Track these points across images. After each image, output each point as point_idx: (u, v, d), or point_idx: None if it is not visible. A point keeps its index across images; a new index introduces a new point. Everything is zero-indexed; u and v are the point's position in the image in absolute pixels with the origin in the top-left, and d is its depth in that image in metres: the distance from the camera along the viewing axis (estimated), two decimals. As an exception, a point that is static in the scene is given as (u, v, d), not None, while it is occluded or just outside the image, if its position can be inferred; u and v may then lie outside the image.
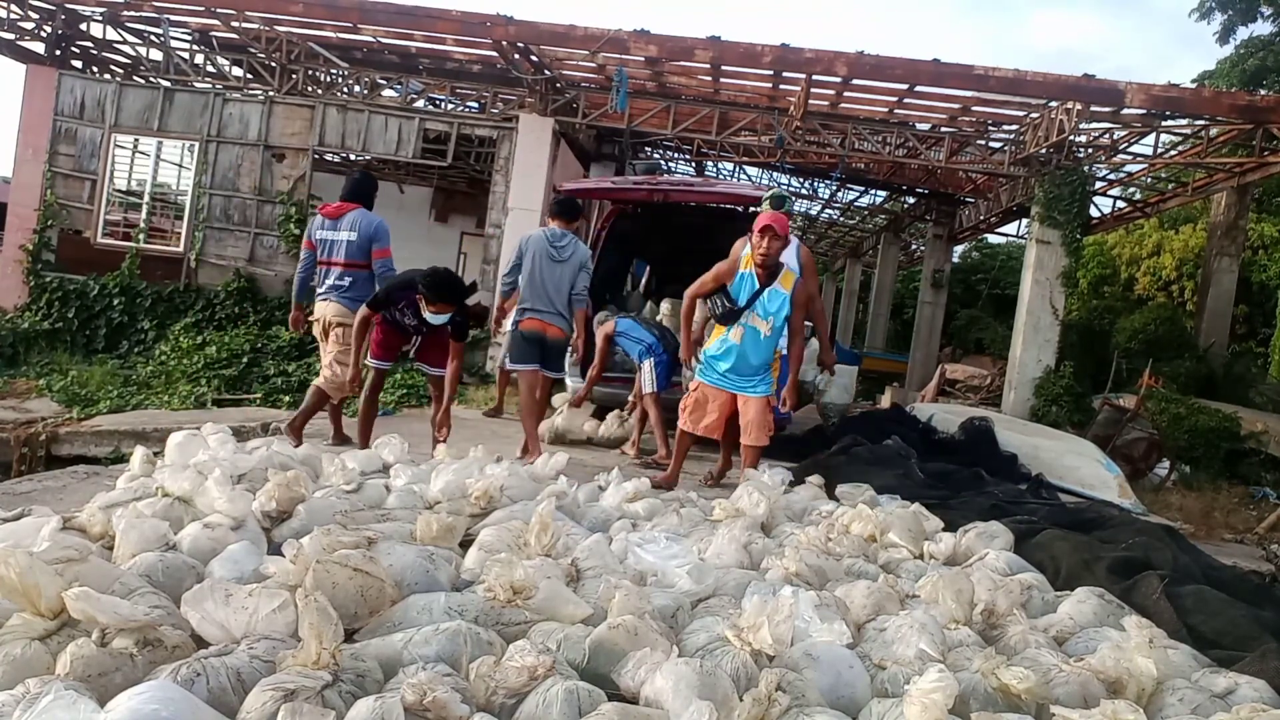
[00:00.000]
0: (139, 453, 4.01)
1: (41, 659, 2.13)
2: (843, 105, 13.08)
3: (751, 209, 8.77)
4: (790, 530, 4.05)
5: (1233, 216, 14.00)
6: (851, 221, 25.86)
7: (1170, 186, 15.20)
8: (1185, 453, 10.88)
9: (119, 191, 13.79)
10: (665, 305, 9.13)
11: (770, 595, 2.75)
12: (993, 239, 26.67)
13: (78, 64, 14.20)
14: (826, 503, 4.83)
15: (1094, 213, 16.55)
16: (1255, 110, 10.51)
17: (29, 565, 2.18)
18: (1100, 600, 3.25)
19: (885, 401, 18.25)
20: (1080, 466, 8.80)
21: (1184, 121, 12.05)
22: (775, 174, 20.19)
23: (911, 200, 20.26)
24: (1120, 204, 16.48)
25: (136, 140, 13.64)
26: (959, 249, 30.17)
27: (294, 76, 13.51)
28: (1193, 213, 20.89)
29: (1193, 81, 18.75)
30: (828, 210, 24.93)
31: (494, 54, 12.61)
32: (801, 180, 20.91)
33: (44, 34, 13.67)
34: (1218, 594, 3.44)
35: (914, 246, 26.13)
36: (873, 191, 20.81)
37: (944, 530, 4.18)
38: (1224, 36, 19.32)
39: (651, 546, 3.17)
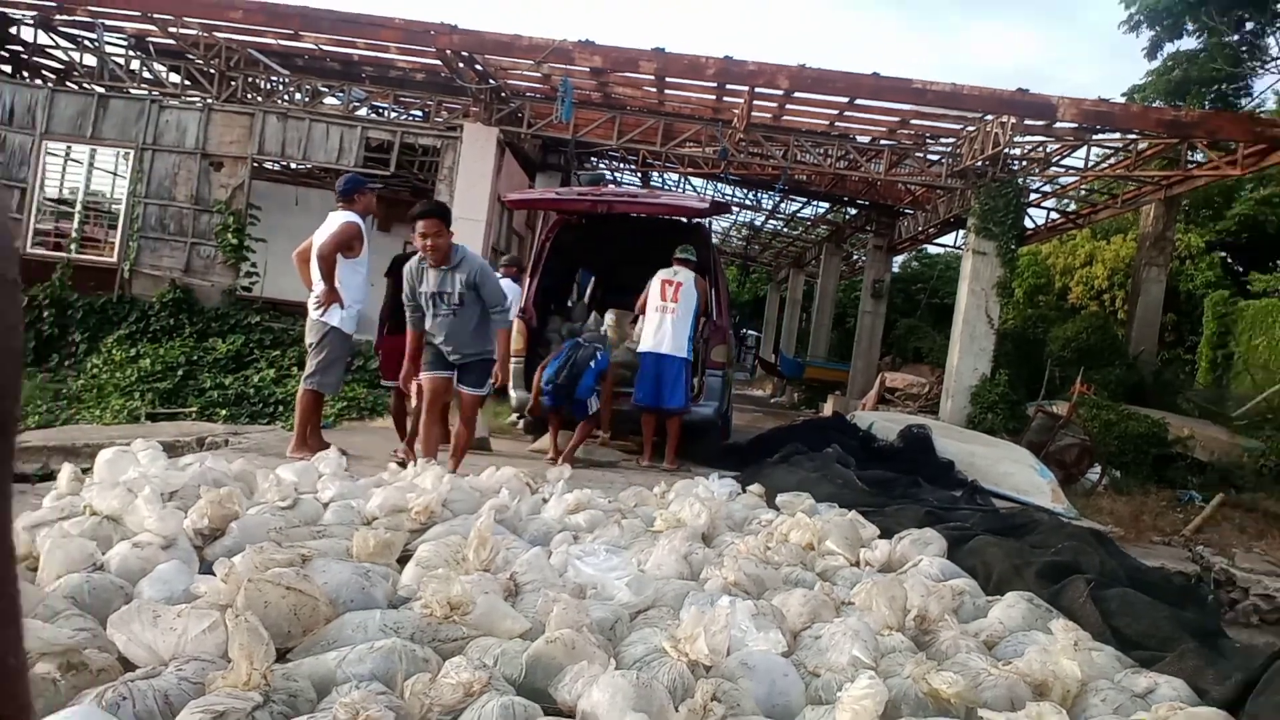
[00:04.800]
0: (66, 470, 3.91)
1: (-41, 686, 2.07)
2: (785, 118, 13.24)
3: (694, 220, 8.87)
4: (731, 540, 4.09)
5: (1160, 228, 14.45)
6: (795, 232, 26.18)
7: (1104, 199, 15.64)
8: (1116, 458, 11.17)
9: (50, 200, 13.43)
10: (609, 316, 9.16)
11: (708, 606, 2.78)
12: (932, 249, 27.24)
13: (7, 69, 13.81)
14: (767, 511, 4.88)
15: (1029, 224, 16.99)
16: (1180, 125, 10.87)
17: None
18: (1029, 604, 3.33)
19: (828, 410, 18.48)
20: (1015, 473, 9.00)
21: (1115, 135, 12.42)
22: (719, 185, 20.39)
23: (853, 211, 20.57)
24: (1054, 215, 16.90)
25: (69, 148, 13.31)
26: (899, 259, 30.73)
27: (233, 84, 13.30)
28: (1124, 223, 21.53)
29: (1123, 95, 19.32)
30: (772, 221, 25.21)
31: (438, 62, 12.54)
32: (746, 191, 21.13)
33: (-29, 38, 13.30)
34: (1142, 596, 3.55)
35: (856, 257, 26.50)
36: (815, 203, 21.11)
37: (880, 537, 4.25)
38: (1152, 52, 19.89)
39: (591, 559, 3.18)
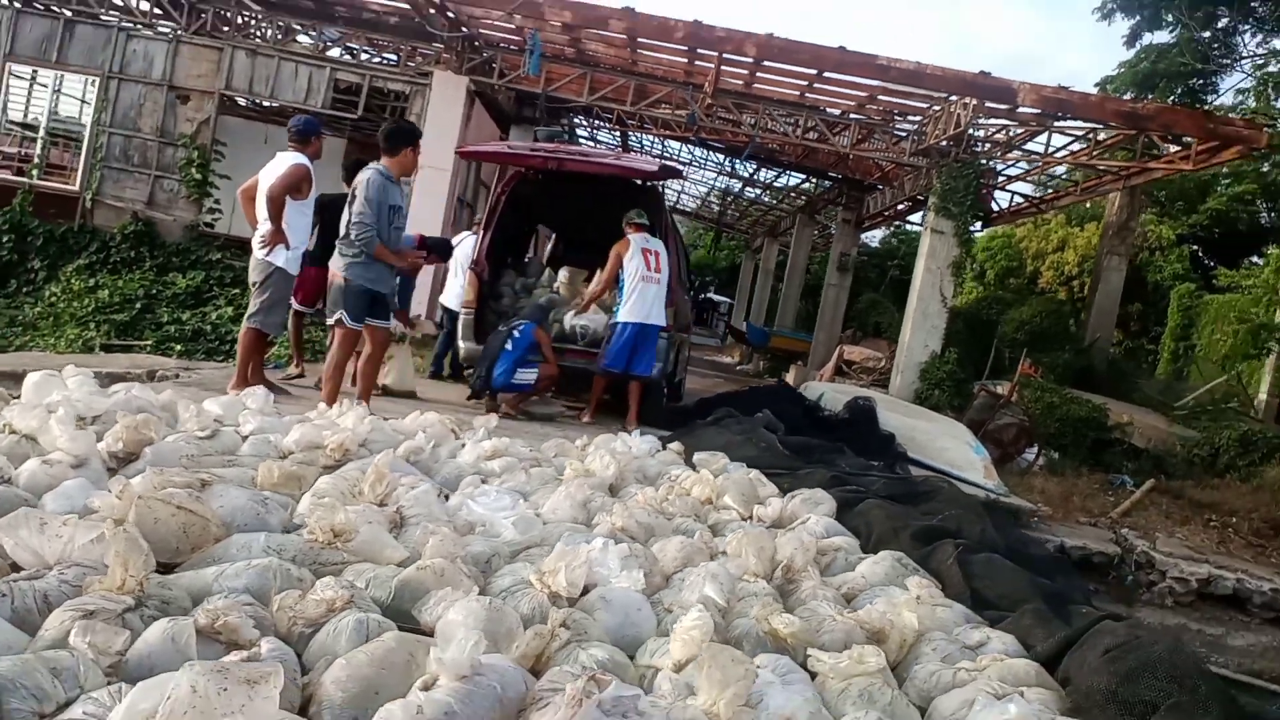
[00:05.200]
0: (-9, 390, 4.02)
1: None
2: (756, 85, 13.31)
3: (648, 183, 8.98)
4: (635, 491, 4.28)
5: (1124, 217, 14.67)
6: (771, 201, 26.30)
7: (1068, 185, 15.87)
8: (1054, 439, 11.46)
9: (13, 124, 13.30)
10: (563, 273, 9.27)
11: (576, 545, 2.97)
12: (911, 226, 27.46)
13: (-30, -13, 13.58)
14: (681, 469, 5.06)
15: (995, 206, 17.20)
16: (1136, 117, 11.05)
17: None
18: (895, 563, 3.55)
19: (790, 379, 18.76)
20: (950, 448, 9.24)
21: (1077, 124, 12.58)
22: (695, 148, 20.44)
23: (828, 184, 20.71)
24: (1018, 199, 17.13)
25: (35, 71, 13.16)
26: (880, 234, 30.96)
27: (203, 16, 13.16)
28: (1099, 210, 21.86)
29: (1095, 85, 19.47)
30: (749, 189, 25.33)
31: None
32: (724, 157, 21.18)
33: (-66, -47, 13.06)
34: (1006, 562, 3.79)
35: (830, 228, 26.69)
36: (789, 173, 21.22)
37: (777, 496, 4.45)
38: (1131, 41, 19.97)
39: (482, 499, 3.36)
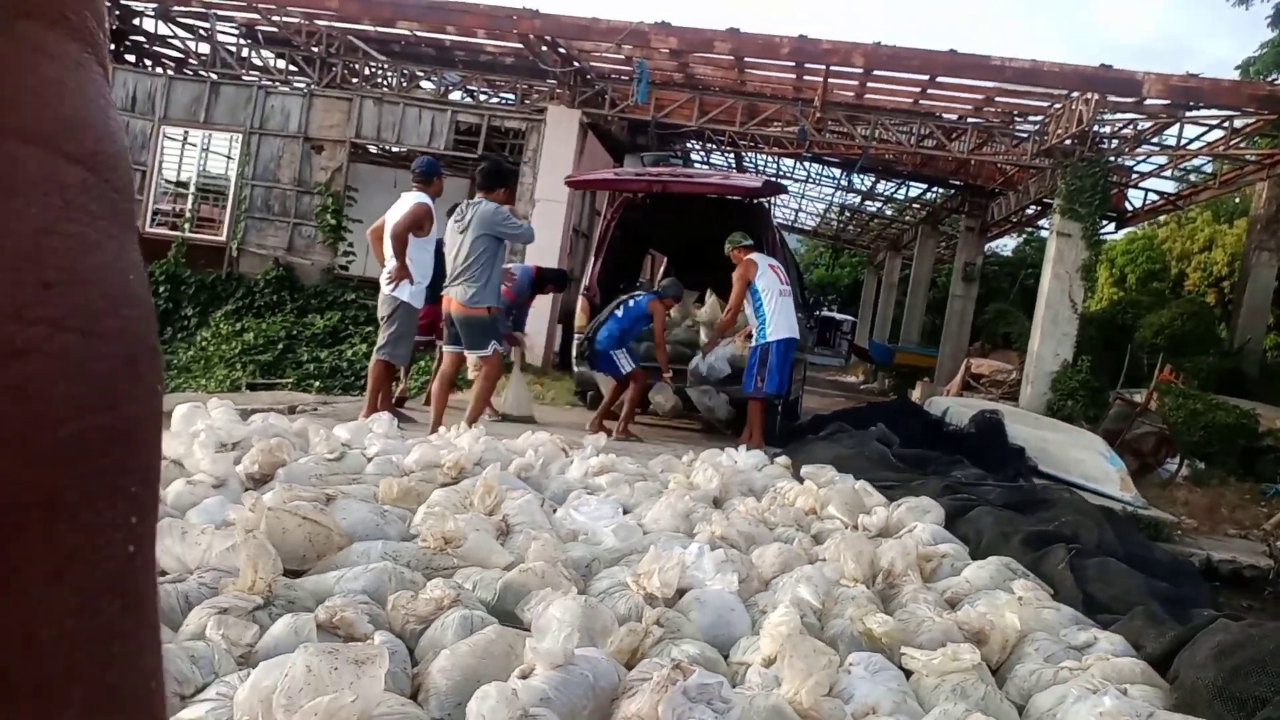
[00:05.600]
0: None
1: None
2: (867, 96, 13.21)
3: (753, 200, 9.06)
4: (738, 503, 4.34)
5: (1273, 209, 13.79)
6: (891, 213, 25.86)
7: (1206, 179, 15.05)
8: (1200, 449, 10.84)
9: (168, 182, 14.43)
10: (675, 294, 9.41)
11: (670, 549, 3.06)
12: (1044, 233, 26.45)
13: (130, 58, 14.86)
14: (787, 481, 5.09)
15: (1129, 206, 16.44)
16: (1277, 100, 10.42)
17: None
18: (1002, 567, 3.49)
19: (915, 396, 18.32)
20: (1084, 459, 8.90)
21: (1212, 112, 11.95)
22: (810, 164, 20.34)
23: (950, 192, 20.25)
24: (1153, 197, 16.32)
25: (186, 132, 14.28)
26: (1011, 242, 29.96)
27: (334, 69, 14.01)
28: (1249, 205, 20.56)
29: (1236, 68, 18.42)
30: (868, 202, 24.98)
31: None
32: (841, 171, 20.99)
33: (99, 30, 14.33)
34: (1121, 565, 3.66)
35: (954, 238, 26.02)
36: (909, 183, 20.85)
37: (883, 506, 4.43)
38: (1275, 21, 18.89)
39: (584, 509, 3.50)
